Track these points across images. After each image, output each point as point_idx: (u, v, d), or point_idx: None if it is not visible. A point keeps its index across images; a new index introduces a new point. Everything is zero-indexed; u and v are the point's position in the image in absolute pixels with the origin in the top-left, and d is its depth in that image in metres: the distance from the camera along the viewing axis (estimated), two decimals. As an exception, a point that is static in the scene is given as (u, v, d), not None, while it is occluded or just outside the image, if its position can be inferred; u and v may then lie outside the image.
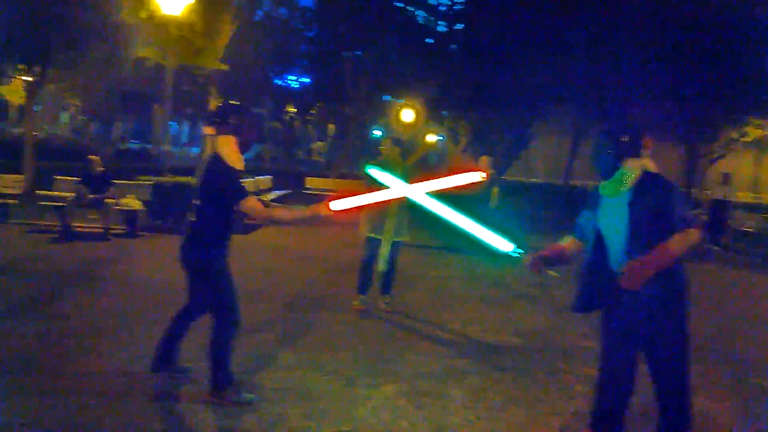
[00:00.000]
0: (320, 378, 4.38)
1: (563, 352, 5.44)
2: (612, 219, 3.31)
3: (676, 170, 26.40)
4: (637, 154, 3.30)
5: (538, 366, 4.99)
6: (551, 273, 3.59)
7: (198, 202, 3.76)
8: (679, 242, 3.13)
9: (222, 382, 3.78)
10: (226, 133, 3.74)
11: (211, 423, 3.57)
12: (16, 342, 4.71)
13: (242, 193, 3.73)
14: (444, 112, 35.29)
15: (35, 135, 17.56)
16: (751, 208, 21.79)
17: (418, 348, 5.29)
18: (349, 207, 3.78)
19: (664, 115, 23.46)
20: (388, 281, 6.51)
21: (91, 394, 3.79)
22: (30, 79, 15.41)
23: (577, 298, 3.51)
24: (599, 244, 3.38)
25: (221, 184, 3.70)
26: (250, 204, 3.79)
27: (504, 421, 3.90)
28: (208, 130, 3.84)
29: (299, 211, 3.93)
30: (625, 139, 3.31)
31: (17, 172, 12.89)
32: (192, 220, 3.79)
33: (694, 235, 3.15)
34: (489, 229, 3.51)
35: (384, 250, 6.28)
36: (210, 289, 3.85)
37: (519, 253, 3.48)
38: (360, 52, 28.60)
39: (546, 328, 6.23)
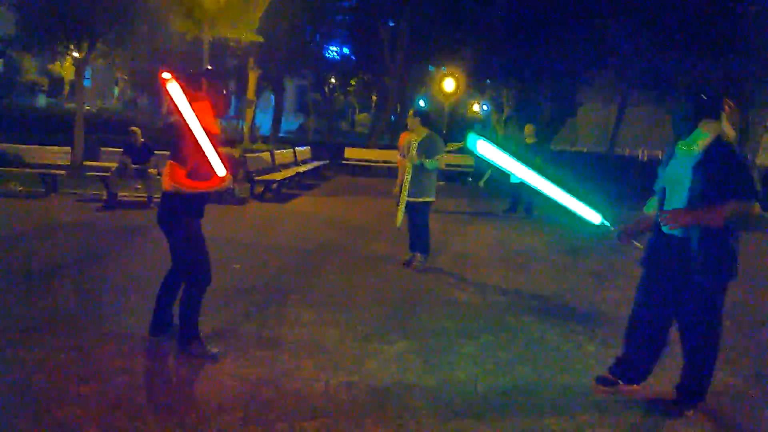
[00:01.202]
0: (336, 334, 4.60)
1: (580, 315, 5.49)
2: (678, 176, 3.46)
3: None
4: (715, 116, 3.39)
5: (552, 327, 5.07)
6: (636, 244, 3.78)
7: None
8: (730, 209, 3.25)
9: (188, 335, 3.97)
10: (200, 97, 3.86)
11: (229, 371, 3.82)
12: (61, 298, 5.10)
13: (179, 159, 3.76)
14: (487, 81, 34.84)
15: (87, 109, 18.24)
16: None
17: (435, 308, 5.45)
18: (219, 160, 3.80)
19: (715, 81, 22.64)
20: (414, 240, 6.94)
21: (104, 352, 4.09)
22: (78, 55, 15.97)
23: (644, 253, 3.69)
24: (662, 197, 3.56)
25: (176, 141, 3.80)
26: (168, 170, 3.80)
27: (510, 376, 4.03)
28: (187, 95, 3.82)
29: (210, 184, 3.90)
30: (705, 99, 3.38)
31: (68, 145, 13.51)
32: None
33: (748, 206, 3.27)
34: (578, 200, 3.55)
35: (399, 209, 6.91)
36: (180, 248, 4.00)
37: (607, 226, 3.60)
38: (398, 22, 28.34)
39: (566, 293, 6.26)
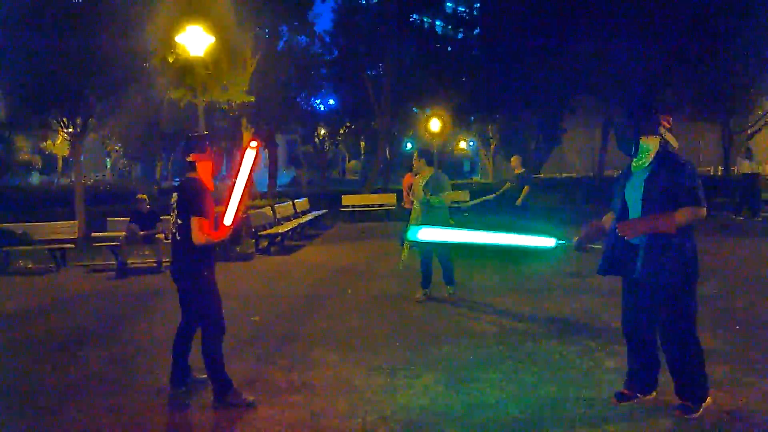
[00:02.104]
0: (363, 372, 4.75)
1: (595, 333, 5.64)
2: (633, 190, 3.73)
3: (715, 149, 26.05)
4: (654, 132, 3.64)
5: (570, 348, 5.22)
6: (595, 246, 4.01)
7: (179, 221, 4.12)
8: (681, 215, 3.49)
9: (222, 387, 4.13)
10: (206, 158, 4.20)
11: (265, 416, 3.95)
12: (89, 365, 5.24)
13: (202, 212, 4.01)
14: (471, 118, 35.57)
15: (83, 183, 18.54)
16: None
17: (455, 340, 5.60)
18: (234, 211, 4.09)
19: (696, 95, 23.23)
20: (446, 274, 7.27)
21: (144, 408, 4.24)
22: (72, 131, 16.35)
23: (601, 262, 3.91)
24: (624, 213, 3.79)
25: (194, 197, 4.06)
26: (197, 224, 3.99)
27: (536, 397, 4.18)
28: (193, 157, 4.21)
29: (222, 232, 4.14)
30: (642, 118, 3.67)
31: (70, 219, 13.74)
32: (177, 238, 4.15)
33: (696, 211, 3.51)
34: (525, 233, 3.80)
35: (404, 249, 7.36)
36: (195, 300, 4.20)
37: (563, 243, 3.81)
38: (381, 70, 29.16)
39: (580, 314, 6.43)
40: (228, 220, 4.10)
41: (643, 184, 3.65)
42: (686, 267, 3.59)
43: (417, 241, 6.90)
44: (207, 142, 4.27)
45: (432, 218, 6.93)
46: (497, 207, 11.04)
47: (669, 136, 3.71)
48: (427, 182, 7.04)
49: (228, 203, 4.09)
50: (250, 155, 4.07)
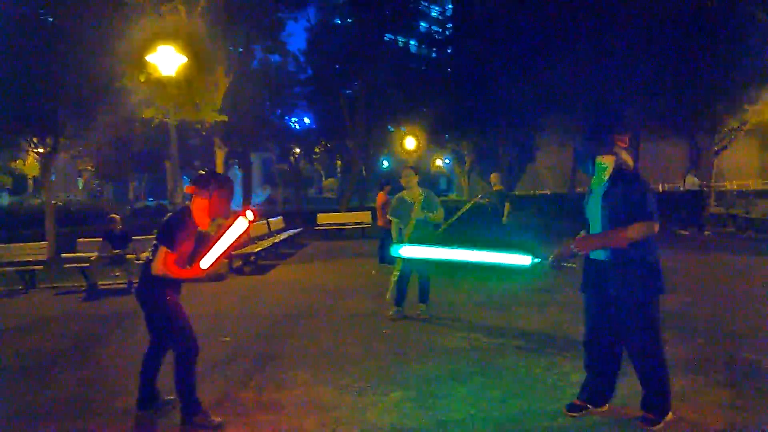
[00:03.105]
0: (333, 391, 4.77)
1: (563, 347, 5.75)
2: (593, 208, 3.90)
3: (683, 165, 26.63)
4: (610, 151, 3.79)
5: (538, 362, 5.32)
6: (568, 265, 4.08)
7: (154, 242, 4.15)
8: (633, 230, 3.63)
9: (191, 408, 4.12)
10: (203, 196, 4.17)
11: (236, 438, 3.96)
12: (59, 388, 5.18)
13: (170, 245, 4.02)
14: (446, 136, 35.93)
15: (54, 203, 18.31)
16: (742, 195, 22.91)
17: (424, 357, 5.66)
18: (216, 259, 4.10)
19: (663, 112, 23.84)
20: (422, 292, 7.32)
21: (112, 431, 4.22)
22: (42, 150, 16.18)
23: (582, 279, 4.04)
24: (587, 231, 3.95)
25: (170, 228, 4.09)
26: (162, 255, 4.01)
27: (503, 411, 4.25)
28: (188, 189, 4.24)
29: (192, 272, 4.16)
30: (598, 138, 3.81)
31: (40, 240, 13.54)
32: (149, 258, 4.17)
33: (648, 226, 3.66)
34: (502, 250, 3.88)
35: (396, 267, 7.22)
36: (164, 323, 4.20)
37: (538, 262, 3.89)
38: (355, 88, 29.37)
39: (548, 329, 6.54)
40: (205, 264, 4.10)
41: (600, 200, 3.80)
42: (649, 280, 3.71)
43: (402, 258, 6.92)
44: (211, 180, 4.22)
45: (424, 234, 6.99)
46: (475, 222, 11.19)
47: (624, 155, 3.87)
48: (423, 200, 7.07)
49: (210, 247, 4.09)
50: (241, 224, 4.04)
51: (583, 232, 4.06)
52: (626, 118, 21.97)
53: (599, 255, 3.84)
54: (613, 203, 3.73)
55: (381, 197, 12.43)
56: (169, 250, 4.01)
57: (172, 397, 4.33)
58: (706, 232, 15.98)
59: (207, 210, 4.19)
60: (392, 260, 8.11)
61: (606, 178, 3.82)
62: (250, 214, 4.04)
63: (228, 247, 4.10)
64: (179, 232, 4.07)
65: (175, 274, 4.08)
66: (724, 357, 5.27)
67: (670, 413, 3.80)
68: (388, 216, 7.62)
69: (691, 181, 16.80)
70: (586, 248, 3.79)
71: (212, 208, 4.19)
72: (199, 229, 4.20)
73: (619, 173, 3.80)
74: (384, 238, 11.71)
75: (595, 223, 3.86)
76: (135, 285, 10.13)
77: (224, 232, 4.07)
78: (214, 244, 4.09)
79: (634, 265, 3.70)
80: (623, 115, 22.72)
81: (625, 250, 3.67)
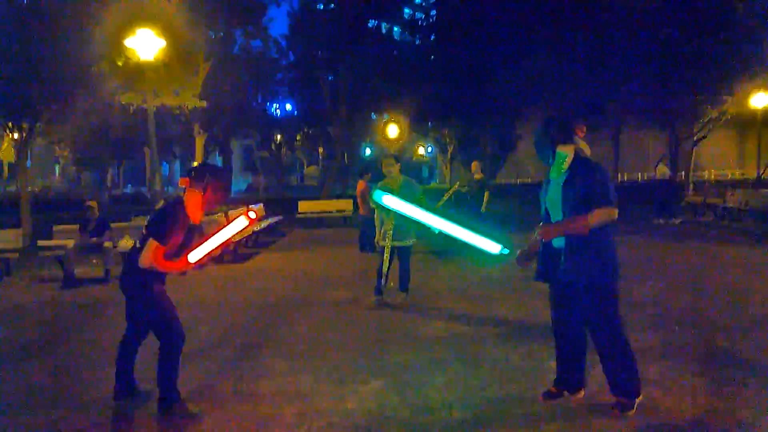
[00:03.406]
0: (311, 380, 4.76)
1: (539, 335, 5.76)
2: (553, 197, 3.93)
3: (662, 155, 26.95)
4: (569, 141, 3.82)
5: (515, 349, 5.35)
6: (532, 261, 4.14)
7: (143, 232, 4.08)
8: (594, 216, 3.69)
9: (168, 397, 4.09)
10: (197, 189, 4.09)
11: (210, 428, 3.93)
12: (33, 378, 5.11)
13: (161, 238, 3.94)
14: (429, 124, 35.90)
15: (30, 190, 18.00)
16: (720, 185, 23.40)
17: (404, 345, 5.67)
18: (205, 254, 4.04)
19: (644, 103, 24.07)
20: (404, 280, 7.37)
21: (86, 421, 4.18)
22: (18, 136, 15.87)
23: (536, 269, 4.09)
24: (547, 218, 3.99)
25: (162, 220, 4.02)
26: (151, 247, 3.92)
27: (481, 398, 4.27)
28: (182, 181, 4.16)
29: (179, 266, 4.08)
30: (557, 127, 3.83)
31: (16, 227, 13.30)
32: (137, 246, 4.10)
33: (608, 212, 3.70)
34: (478, 233, 3.88)
35: (385, 255, 7.22)
36: (144, 313, 4.15)
37: (507, 252, 3.88)
38: (337, 75, 29.17)
39: (525, 317, 6.59)
40: (193, 258, 4.04)
41: (560, 189, 3.83)
42: (605, 266, 3.75)
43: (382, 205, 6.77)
44: (206, 174, 4.13)
45: (405, 225, 7.03)
46: (455, 208, 11.21)
47: (583, 144, 3.93)
48: (401, 189, 7.01)
49: (203, 241, 4.04)
50: (241, 222, 3.99)
51: (542, 223, 4.08)
52: (587, 107, 22.16)
53: (555, 243, 3.89)
54: (575, 191, 3.76)
55: (361, 185, 12.41)
56: (159, 243, 3.93)
57: (147, 387, 4.27)
58: (677, 221, 16.22)
59: (201, 203, 4.12)
60: (372, 248, 8.08)
61: (566, 167, 3.84)
62: (252, 214, 4.01)
63: (221, 244, 4.05)
64: (171, 225, 3.98)
65: (162, 268, 4.01)
66: (699, 344, 5.35)
67: (641, 395, 3.85)
68: (371, 204, 7.61)
69: (662, 171, 17.14)
70: (551, 235, 3.83)
71: (206, 201, 4.13)
72: (192, 222, 4.13)
73: (579, 161, 3.84)
74: (365, 226, 11.71)
75: (556, 212, 3.89)
76: (112, 274, 10.10)
77: (221, 228, 4.03)
78: (206, 239, 4.04)
79: (590, 249, 3.74)
80: (588, 103, 22.90)
81: (583, 236, 3.70)
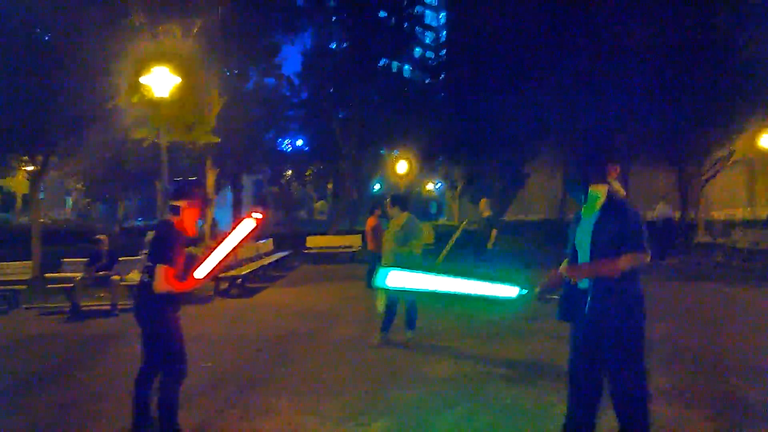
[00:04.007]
0: (315, 420, 4.70)
1: (548, 376, 5.69)
2: (583, 236, 3.84)
3: (672, 193, 26.85)
4: (603, 181, 3.78)
5: (523, 392, 5.27)
6: (554, 297, 4.02)
7: (149, 263, 4.09)
8: (625, 261, 3.61)
9: (170, 430, 4.05)
10: (194, 204, 4.18)
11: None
12: (38, 411, 5.07)
13: (169, 261, 3.98)
14: (439, 159, 36.07)
15: (41, 222, 18.15)
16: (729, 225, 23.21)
17: (410, 384, 5.59)
18: (211, 269, 4.06)
19: (653, 141, 24.10)
20: (409, 319, 7.29)
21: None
22: (32, 168, 16.07)
23: (558, 307, 3.97)
24: (575, 258, 3.90)
25: (163, 244, 4.05)
26: (162, 273, 3.96)
27: (487, 442, 4.20)
28: (180, 203, 4.18)
29: (191, 284, 4.13)
30: (591, 167, 3.80)
31: (26, 259, 13.37)
32: (145, 279, 4.11)
33: (639, 257, 3.64)
34: (490, 280, 3.82)
35: (379, 294, 7.18)
36: (159, 343, 4.14)
37: (524, 294, 3.81)
38: (348, 112, 29.49)
39: (534, 357, 6.50)
40: (200, 274, 4.06)
41: (592, 229, 3.77)
42: (631, 310, 3.68)
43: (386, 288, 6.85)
44: (197, 189, 4.26)
45: (404, 265, 6.95)
46: (462, 248, 11.16)
47: (616, 185, 3.87)
48: (397, 232, 7.05)
49: (207, 257, 4.05)
50: (249, 224, 4.03)
51: (565, 262, 4.04)
52: (618, 147, 22.19)
53: (582, 284, 3.82)
54: (605, 232, 3.69)
55: (371, 221, 12.41)
56: (169, 266, 3.97)
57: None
58: (670, 261, 16.02)
59: (197, 215, 4.24)
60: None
61: (598, 207, 3.82)
62: (257, 214, 4.03)
63: (229, 253, 4.07)
64: (173, 245, 4.03)
65: (177, 288, 4.05)
66: (709, 386, 5.25)
67: None
68: (381, 241, 7.64)
69: (661, 210, 16.96)
70: (579, 276, 3.75)
71: (199, 210, 4.25)
72: (190, 236, 4.18)
73: (612, 203, 3.78)
74: (373, 263, 11.67)
75: (584, 251, 3.83)
76: (119, 307, 10.10)
77: (224, 238, 4.05)
78: (211, 252, 4.07)
79: (616, 294, 3.67)
80: (615, 144, 22.93)
81: (610, 279, 3.65)
